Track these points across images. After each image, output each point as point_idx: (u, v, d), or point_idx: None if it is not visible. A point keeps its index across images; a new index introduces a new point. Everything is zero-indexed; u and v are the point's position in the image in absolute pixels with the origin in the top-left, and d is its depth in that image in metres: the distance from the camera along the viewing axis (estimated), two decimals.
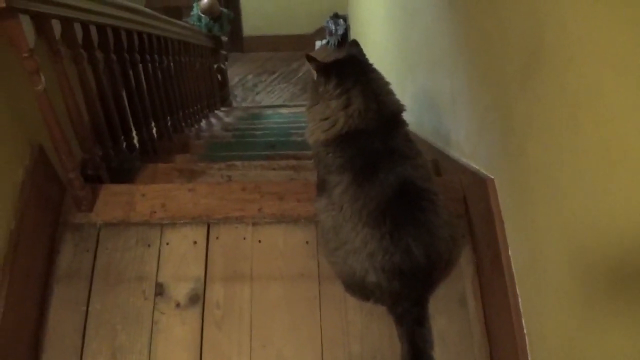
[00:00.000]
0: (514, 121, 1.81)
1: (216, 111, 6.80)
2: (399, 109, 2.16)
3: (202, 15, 6.99)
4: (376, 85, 2.11)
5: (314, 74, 2.16)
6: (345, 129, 2.05)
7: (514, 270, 1.92)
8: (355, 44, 2.27)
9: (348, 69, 2.12)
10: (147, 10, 3.66)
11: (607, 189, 1.28)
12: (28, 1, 1.92)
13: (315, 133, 2.14)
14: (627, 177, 1.19)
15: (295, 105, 7.80)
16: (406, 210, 1.95)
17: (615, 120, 1.22)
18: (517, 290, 1.89)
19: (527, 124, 1.71)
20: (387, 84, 2.18)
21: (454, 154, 2.63)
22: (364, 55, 2.22)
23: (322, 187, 2.17)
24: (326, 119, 2.10)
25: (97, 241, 2.32)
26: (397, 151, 2.02)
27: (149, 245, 2.33)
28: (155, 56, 4.15)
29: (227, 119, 6.44)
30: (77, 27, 2.62)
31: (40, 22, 2.16)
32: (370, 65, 2.19)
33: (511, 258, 1.93)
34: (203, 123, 5.76)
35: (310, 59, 2.16)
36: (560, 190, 1.52)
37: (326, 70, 2.12)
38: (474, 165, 2.31)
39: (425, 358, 1.96)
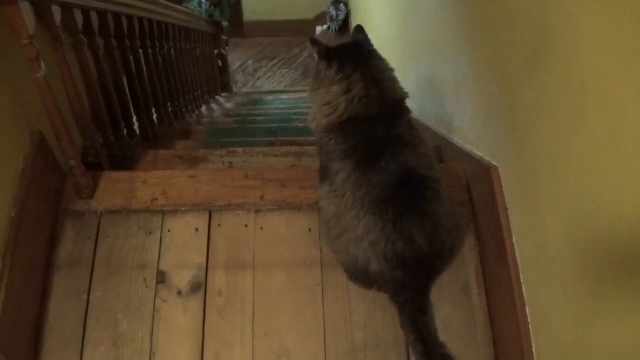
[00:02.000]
0: (520, 110, 1.80)
1: (217, 96, 6.80)
2: (402, 95, 2.15)
3: (203, 1, 6.96)
4: (378, 71, 2.10)
5: (316, 58, 2.15)
6: (346, 114, 2.05)
7: (518, 259, 1.91)
8: (360, 29, 2.26)
9: (350, 54, 2.11)
10: None
11: (615, 180, 1.27)
12: None
13: (317, 118, 2.14)
14: (636, 167, 1.18)
15: (295, 91, 7.80)
16: (409, 198, 1.95)
17: (623, 109, 1.20)
18: (521, 279, 1.88)
19: (533, 112, 1.69)
20: (390, 70, 2.17)
21: (457, 140, 2.62)
22: (368, 41, 2.21)
23: (324, 174, 2.16)
24: (327, 103, 2.10)
25: (98, 229, 2.32)
26: (400, 139, 2.01)
27: (150, 233, 2.32)
28: (156, 42, 4.15)
29: (227, 105, 6.44)
30: (77, 13, 2.60)
31: (41, 8, 2.15)
32: (374, 51, 2.18)
33: (515, 247, 1.92)
34: (203, 108, 5.76)
35: (314, 42, 2.14)
36: (566, 179, 1.51)
37: (328, 54, 2.12)
38: (478, 152, 2.29)
39: (434, 342, 1.95)
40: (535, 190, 1.73)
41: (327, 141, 2.10)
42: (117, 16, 3.27)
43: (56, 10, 2.31)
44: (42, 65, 1.98)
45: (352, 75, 2.05)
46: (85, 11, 2.72)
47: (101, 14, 2.97)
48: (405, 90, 2.16)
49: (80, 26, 2.66)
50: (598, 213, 1.35)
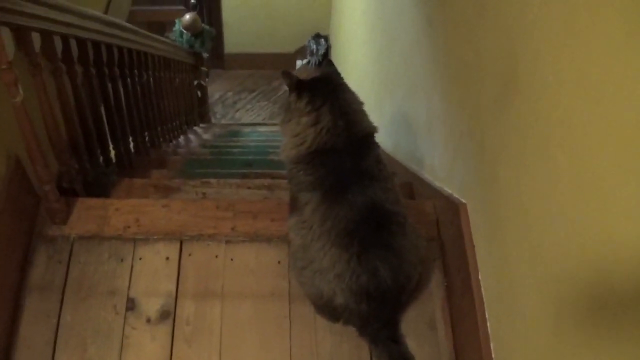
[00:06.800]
0: (488, 148, 1.84)
1: (195, 127, 6.79)
2: (370, 129, 2.18)
3: (184, 32, 6.97)
4: (346, 104, 2.13)
5: (288, 90, 2.18)
6: (314, 146, 2.08)
7: (483, 295, 1.93)
8: (330, 63, 2.30)
9: (320, 87, 2.14)
10: (128, 25, 3.65)
11: (577, 219, 1.30)
12: (8, 14, 1.93)
13: (287, 149, 2.18)
14: (597, 207, 1.21)
15: (273, 124, 7.81)
16: (374, 232, 1.97)
17: (587, 150, 1.24)
18: (487, 314, 1.91)
19: (500, 151, 1.73)
20: (359, 104, 2.21)
21: (428, 177, 2.65)
22: (339, 74, 2.24)
23: (293, 205, 2.19)
24: (297, 135, 2.13)
25: (70, 254, 2.32)
26: (368, 173, 2.04)
27: (121, 260, 2.33)
28: (135, 71, 4.14)
29: (205, 136, 6.43)
30: (57, 40, 2.62)
31: (20, 34, 2.16)
32: (344, 84, 2.22)
33: (481, 283, 1.95)
34: (181, 139, 5.74)
35: (285, 75, 2.17)
36: (530, 218, 1.54)
37: (299, 87, 2.15)
38: (447, 189, 2.32)
39: None
40: (501, 228, 1.76)
41: (296, 172, 2.13)
42: (96, 45, 3.27)
43: (36, 37, 2.33)
44: (20, 90, 1.99)
45: (321, 107, 2.09)
46: (65, 39, 2.73)
47: (81, 42, 2.99)
48: (374, 124, 2.20)
49: (59, 53, 2.67)
50: (562, 253, 1.38)
